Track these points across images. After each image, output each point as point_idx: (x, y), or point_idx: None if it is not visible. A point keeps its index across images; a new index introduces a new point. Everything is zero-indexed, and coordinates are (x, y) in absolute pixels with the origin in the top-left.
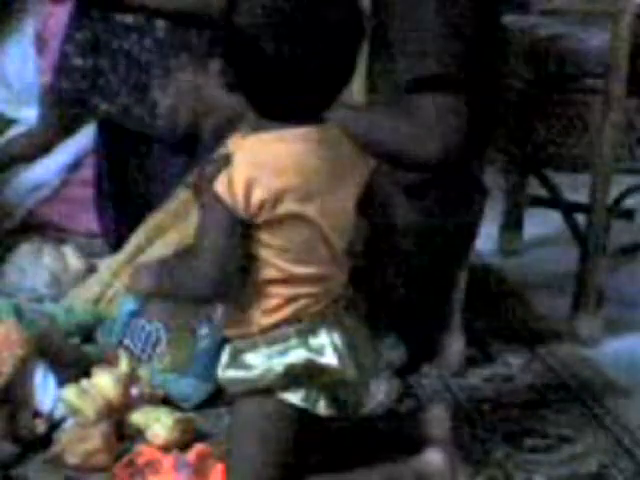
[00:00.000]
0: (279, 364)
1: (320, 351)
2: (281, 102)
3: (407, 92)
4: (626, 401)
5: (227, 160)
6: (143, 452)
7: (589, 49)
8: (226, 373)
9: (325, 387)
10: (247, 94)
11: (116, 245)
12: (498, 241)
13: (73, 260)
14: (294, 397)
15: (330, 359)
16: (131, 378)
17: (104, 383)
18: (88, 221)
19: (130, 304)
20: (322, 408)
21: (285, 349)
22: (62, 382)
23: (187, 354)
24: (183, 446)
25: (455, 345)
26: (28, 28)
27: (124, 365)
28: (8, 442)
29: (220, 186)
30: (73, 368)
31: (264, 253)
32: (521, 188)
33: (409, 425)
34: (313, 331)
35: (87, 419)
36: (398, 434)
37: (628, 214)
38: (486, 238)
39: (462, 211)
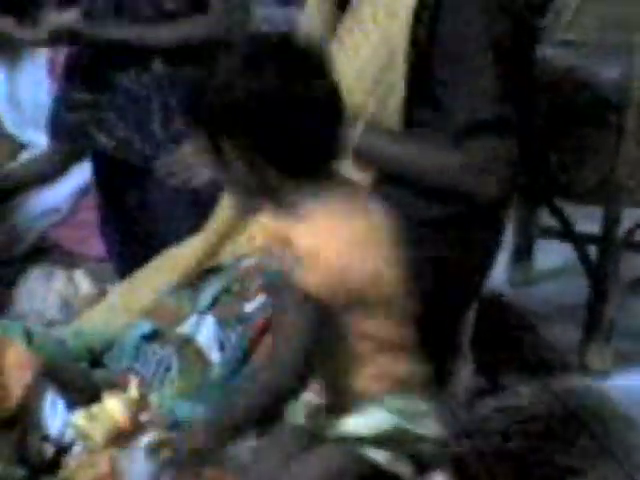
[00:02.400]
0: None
1: (418, 420)
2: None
3: (463, 134)
4: (637, 434)
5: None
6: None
7: (603, 81)
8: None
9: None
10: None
11: (124, 270)
12: (509, 272)
13: (84, 284)
14: (379, 456)
15: (428, 429)
16: (140, 404)
17: (113, 408)
18: (98, 245)
19: (142, 328)
20: (402, 467)
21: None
22: (71, 406)
23: (199, 381)
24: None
25: (465, 374)
26: (41, 51)
27: (133, 390)
28: (17, 466)
29: (308, 284)
30: (82, 393)
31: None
32: (532, 219)
33: None
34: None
35: (96, 444)
36: None
37: None
38: (497, 269)
39: (482, 244)
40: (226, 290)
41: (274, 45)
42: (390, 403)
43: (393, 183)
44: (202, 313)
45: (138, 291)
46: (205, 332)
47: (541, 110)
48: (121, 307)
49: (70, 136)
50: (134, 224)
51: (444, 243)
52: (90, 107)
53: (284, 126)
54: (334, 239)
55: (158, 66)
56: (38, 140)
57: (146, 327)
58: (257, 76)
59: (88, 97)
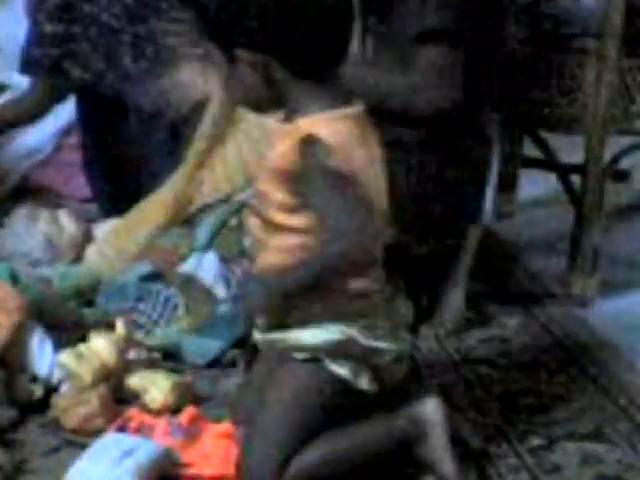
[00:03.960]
0: (335, 333)
1: (379, 336)
2: (305, 56)
3: (409, 46)
4: (621, 361)
5: (314, 140)
6: (134, 416)
7: (584, 8)
8: (271, 334)
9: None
10: (274, 52)
11: (109, 210)
12: (493, 203)
13: (68, 224)
14: (342, 369)
15: (387, 345)
16: (128, 342)
17: (101, 347)
18: (82, 186)
19: (142, 268)
20: (365, 384)
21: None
22: (59, 346)
23: (206, 317)
24: (178, 409)
25: (455, 302)
26: None
27: (120, 329)
28: (5, 406)
29: (331, 161)
30: (70, 332)
31: None
32: (515, 150)
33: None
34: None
35: (84, 383)
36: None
37: (623, 175)
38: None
39: (473, 162)
40: (223, 225)
41: None
42: (344, 317)
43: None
44: (202, 250)
45: (130, 232)
46: (208, 269)
47: (520, 38)
48: (115, 248)
49: (45, 70)
50: (118, 162)
51: (433, 163)
52: (63, 40)
53: (297, 27)
54: (332, 129)
55: None
56: (18, 82)
57: (145, 268)
58: None
59: (60, 29)
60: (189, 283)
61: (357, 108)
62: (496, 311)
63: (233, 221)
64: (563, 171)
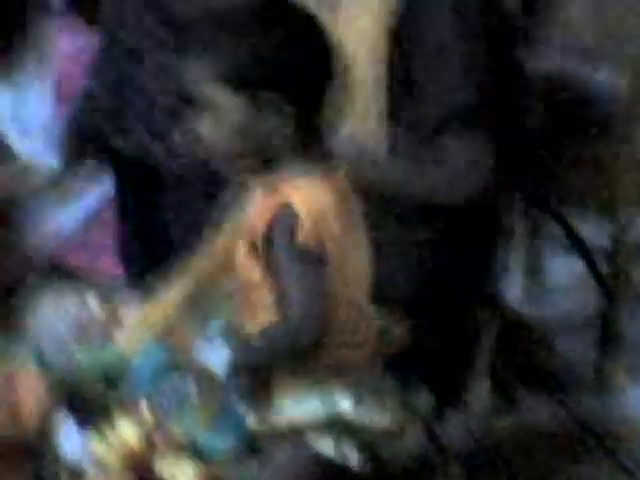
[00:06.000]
0: (317, 406)
1: (366, 408)
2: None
3: (435, 130)
4: None
5: (290, 209)
6: None
7: (598, 86)
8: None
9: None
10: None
11: (140, 289)
12: (520, 287)
13: (96, 306)
14: (327, 447)
15: (376, 417)
16: (154, 426)
17: (127, 432)
18: (111, 266)
19: (157, 355)
20: (355, 461)
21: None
22: (85, 430)
23: (219, 406)
24: None
25: (481, 392)
26: (47, 72)
27: (146, 413)
28: None
29: (301, 235)
30: (97, 416)
31: None
32: (540, 233)
33: None
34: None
35: (111, 469)
36: None
37: None
38: (508, 284)
39: (489, 250)
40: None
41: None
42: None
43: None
44: (214, 335)
45: (156, 309)
46: (219, 355)
47: (542, 114)
48: (143, 331)
49: (86, 138)
50: (154, 240)
51: (446, 251)
52: (109, 110)
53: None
54: (310, 195)
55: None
56: (45, 161)
57: (161, 353)
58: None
59: (108, 100)
60: (203, 372)
61: (339, 174)
62: (524, 396)
63: None
64: (590, 254)
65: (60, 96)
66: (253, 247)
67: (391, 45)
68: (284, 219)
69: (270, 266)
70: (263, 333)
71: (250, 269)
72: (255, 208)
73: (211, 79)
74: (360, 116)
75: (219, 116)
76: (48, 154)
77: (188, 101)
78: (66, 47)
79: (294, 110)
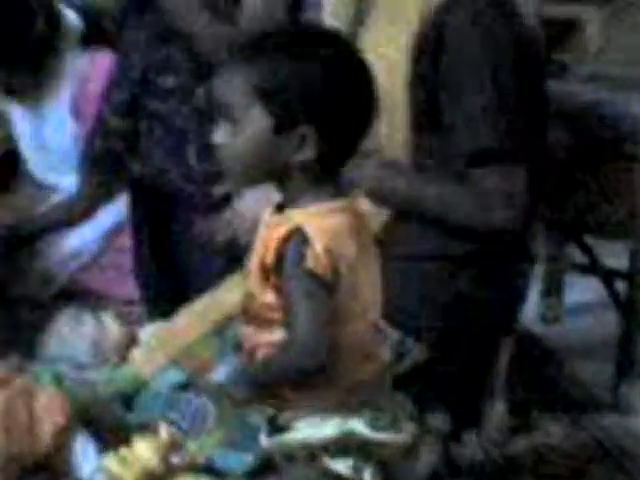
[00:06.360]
0: (332, 428)
1: (382, 427)
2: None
3: (466, 166)
4: None
5: (301, 234)
6: None
7: (629, 114)
8: (273, 438)
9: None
10: None
11: (157, 311)
12: (538, 308)
13: (113, 327)
14: (342, 467)
15: (392, 436)
16: (171, 446)
17: (144, 452)
18: (127, 288)
19: (174, 376)
20: (367, 476)
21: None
22: (102, 450)
23: (236, 427)
24: None
25: (497, 413)
26: (65, 93)
27: (164, 433)
28: None
29: (311, 261)
30: (113, 436)
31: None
32: (561, 255)
33: None
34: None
35: None
36: None
37: None
38: (526, 305)
39: (511, 279)
40: None
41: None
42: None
43: (409, 221)
44: (230, 357)
45: (178, 337)
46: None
47: (565, 144)
48: (158, 350)
49: (104, 163)
50: (171, 263)
51: (468, 279)
52: (126, 134)
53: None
54: (324, 224)
55: (200, 99)
56: (63, 183)
57: (177, 375)
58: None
59: (124, 124)
60: (220, 392)
61: (354, 200)
62: (541, 419)
63: None
64: (608, 277)
65: (79, 119)
66: (264, 271)
67: (414, 75)
68: (294, 244)
69: (280, 290)
70: (268, 355)
71: (263, 294)
72: (267, 232)
73: (245, 92)
74: (385, 145)
75: (239, 128)
76: (66, 176)
77: (209, 114)
78: (85, 70)
79: (319, 138)
